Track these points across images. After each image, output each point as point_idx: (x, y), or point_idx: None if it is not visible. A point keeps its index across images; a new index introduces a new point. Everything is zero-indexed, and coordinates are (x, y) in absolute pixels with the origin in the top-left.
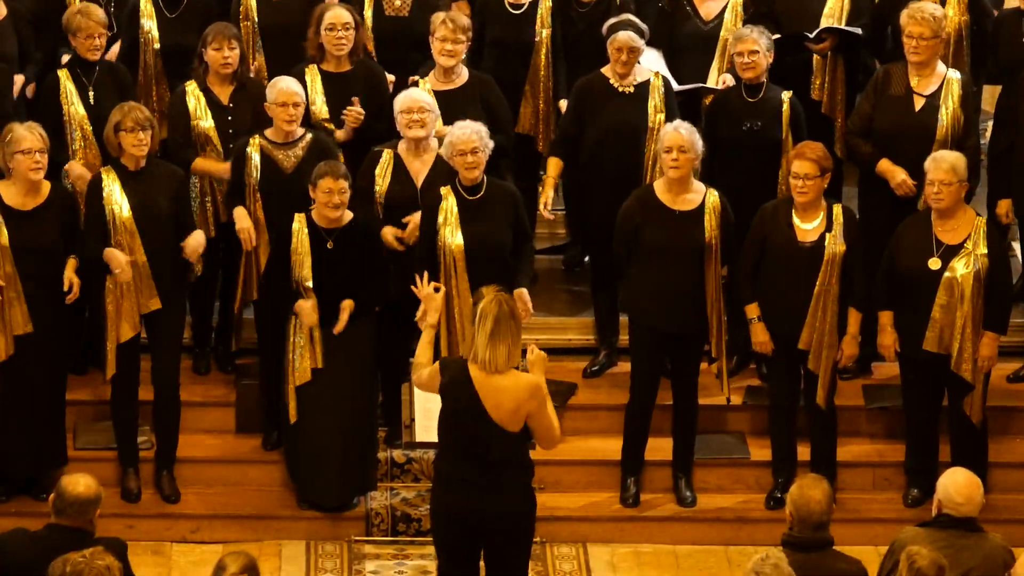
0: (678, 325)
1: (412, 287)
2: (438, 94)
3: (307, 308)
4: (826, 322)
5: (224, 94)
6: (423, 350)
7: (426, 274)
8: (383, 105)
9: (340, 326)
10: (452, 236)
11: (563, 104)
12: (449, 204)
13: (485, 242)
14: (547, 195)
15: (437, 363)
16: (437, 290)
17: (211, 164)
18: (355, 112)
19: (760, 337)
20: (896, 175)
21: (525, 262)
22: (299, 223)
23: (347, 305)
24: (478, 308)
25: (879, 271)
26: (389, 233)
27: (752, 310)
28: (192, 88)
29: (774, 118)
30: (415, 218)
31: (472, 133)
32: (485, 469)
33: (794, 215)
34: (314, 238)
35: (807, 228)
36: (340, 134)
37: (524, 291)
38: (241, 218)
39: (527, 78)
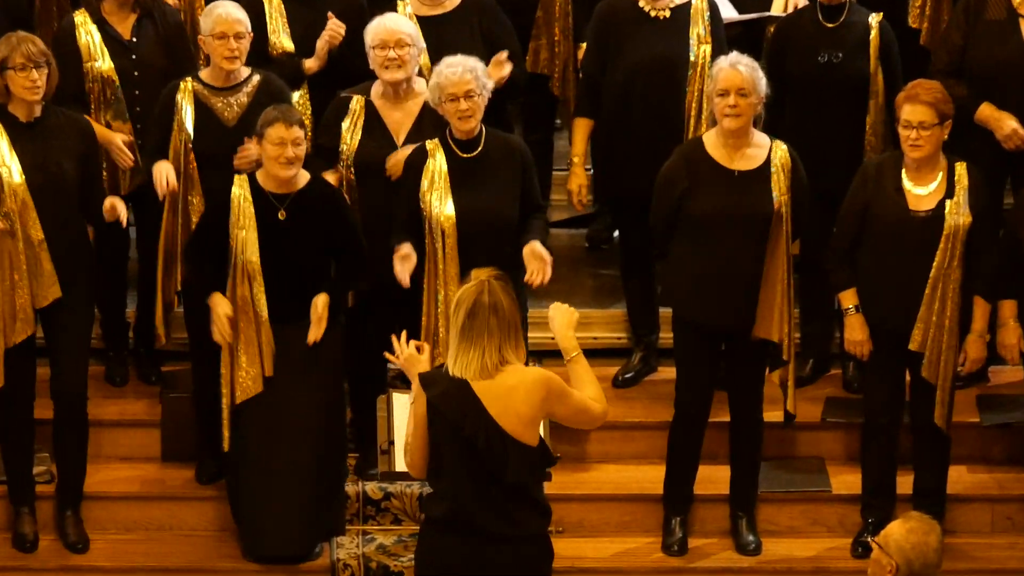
0: (736, 319)
1: (386, 353)
2: (422, 21)
3: (219, 308)
4: (945, 316)
5: (125, 25)
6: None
7: (404, 334)
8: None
9: (316, 333)
10: (440, 205)
11: (583, 49)
12: (437, 164)
13: (483, 213)
14: (579, 176)
15: (416, 381)
16: (419, 350)
17: (105, 132)
18: (333, 27)
19: (857, 334)
20: (1003, 123)
21: (539, 227)
22: (240, 187)
23: (321, 302)
24: (456, 295)
25: (996, 250)
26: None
27: (849, 297)
28: (82, 19)
29: (859, 48)
30: (400, 154)
31: (465, 72)
32: (495, 501)
33: (904, 176)
34: (260, 207)
35: (921, 193)
36: (310, 63)
37: (537, 244)
38: (160, 169)
39: (538, 2)
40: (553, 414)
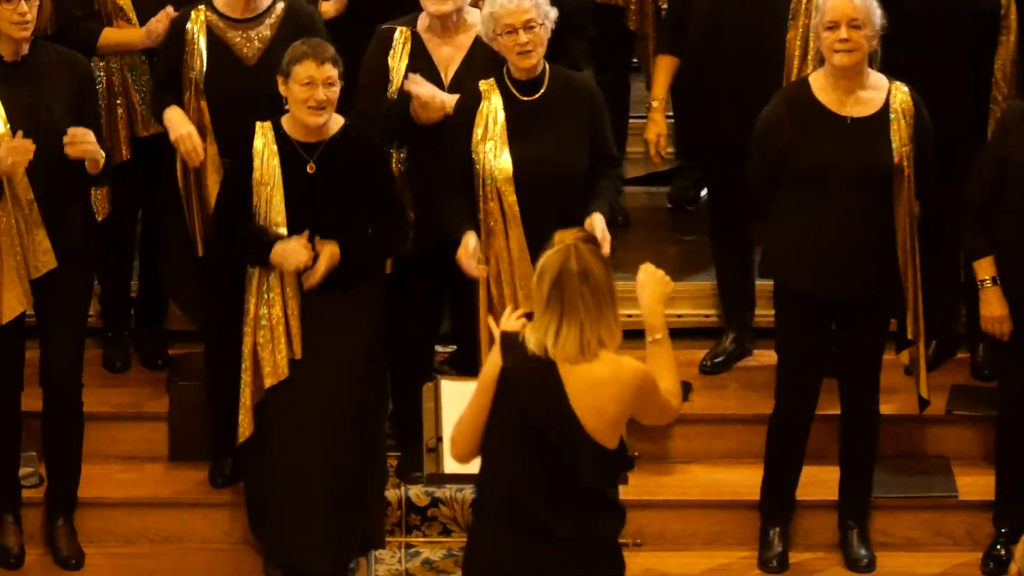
0: (851, 290)
1: (489, 318)
2: None
3: (290, 249)
4: None
5: None
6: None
7: (510, 308)
8: None
9: (315, 277)
10: (496, 157)
11: None
12: (492, 108)
13: (545, 165)
14: (659, 124)
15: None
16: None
17: (127, 33)
18: None
19: (996, 309)
20: None
21: (607, 189)
22: (263, 136)
23: (328, 249)
24: (538, 263)
25: None
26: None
27: (985, 267)
28: None
29: None
30: (437, 99)
31: None
32: (559, 498)
33: None
34: (287, 158)
35: None
36: (327, 6)
37: (598, 217)
38: (177, 122)
39: None
40: (636, 413)
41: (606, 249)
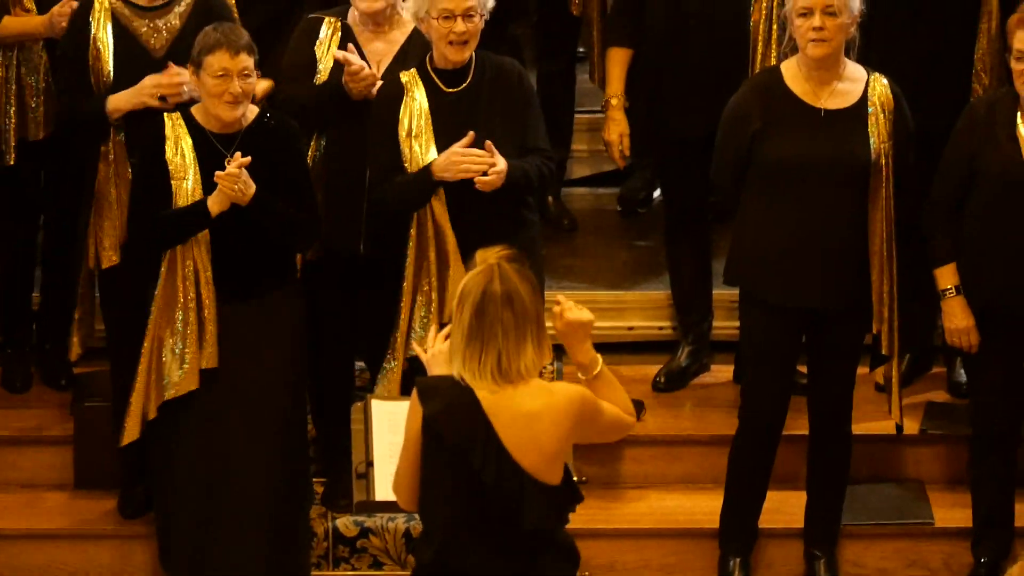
0: (823, 300)
1: (414, 344)
2: None
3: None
4: None
5: None
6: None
7: (433, 329)
8: None
9: (235, 165)
10: (423, 154)
11: None
12: (416, 101)
13: None
14: (619, 123)
15: (414, 389)
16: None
17: (26, 22)
18: None
19: (960, 320)
20: None
21: (529, 160)
22: (174, 129)
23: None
24: (459, 286)
25: None
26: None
27: (947, 275)
28: None
29: None
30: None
31: None
32: (504, 547)
33: (1020, 121)
34: (202, 151)
35: None
36: None
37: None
38: (125, 96)
39: None
40: (580, 438)
41: (492, 179)
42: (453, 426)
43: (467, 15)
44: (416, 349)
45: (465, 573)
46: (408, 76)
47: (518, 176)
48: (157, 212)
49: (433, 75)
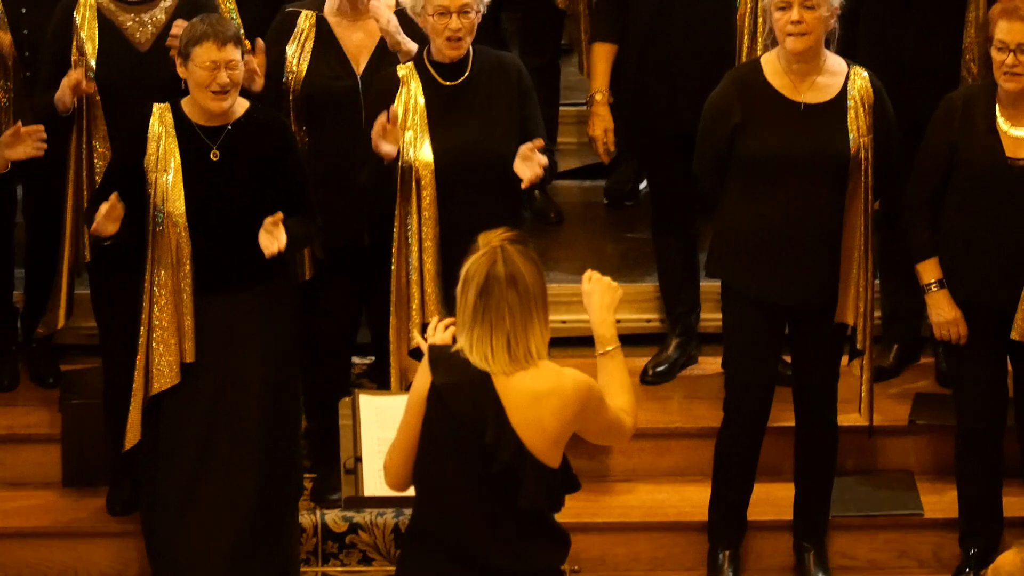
0: (804, 293)
1: (415, 333)
2: None
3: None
4: None
5: None
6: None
7: (435, 319)
8: None
9: (270, 242)
10: (416, 148)
11: None
12: (411, 94)
13: (469, 155)
14: (604, 118)
15: (424, 357)
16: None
17: None
18: None
19: (947, 312)
20: None
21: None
22: (160, 119)
23: (277, 217)
24: (462, 270)
25: None
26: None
27: (930, 270)
28: None
29: None
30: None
31: None
32: (499, 525)
33: (999, 114)
34: (187, 143)
35: (1020, 135)
36: None
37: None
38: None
39: None
40: (581, 430)
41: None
42: (461, 397)
43: (463, 11)
44: (417, 339)
45: (460, 546)
46: (405, 69)
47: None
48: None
49: (430, 68)
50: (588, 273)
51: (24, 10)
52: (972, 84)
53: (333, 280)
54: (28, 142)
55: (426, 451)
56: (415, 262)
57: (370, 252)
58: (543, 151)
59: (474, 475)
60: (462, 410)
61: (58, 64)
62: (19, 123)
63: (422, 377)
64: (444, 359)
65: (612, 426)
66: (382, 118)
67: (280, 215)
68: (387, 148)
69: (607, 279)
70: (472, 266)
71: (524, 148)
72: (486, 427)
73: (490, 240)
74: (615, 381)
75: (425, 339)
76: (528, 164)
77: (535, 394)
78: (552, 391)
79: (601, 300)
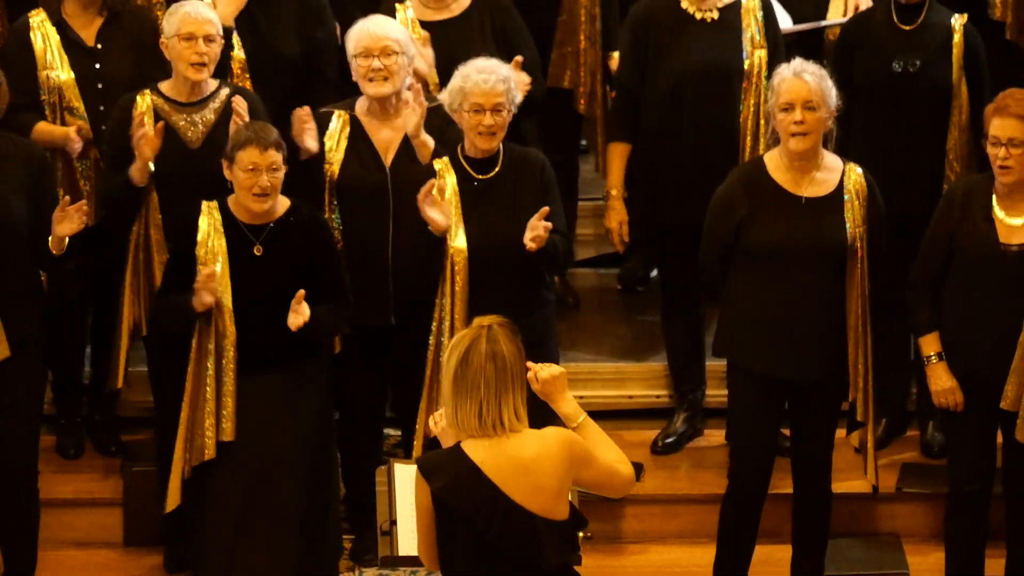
0: (804, 370)
1: (427, 418)
2: (428, 26)
3: (204, 275)
4: None
5: (89, 29)
6: None
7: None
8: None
9: (296, 318)
10: (452, 237)
11: (615, 59)
12: (448, 186)
13: (499, 244)
14: (619, 212)
15: (415, 468)
16: None
17: (54, 131)
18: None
19: (945, 381)
20: None
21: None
22: (209, 216)
23: (299, 295)
24: (451, 342)
25: None
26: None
27: (931, 343)
28: (39, 20)
29: (940, 53)
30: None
31: (498, 82)
32: None
33: (995, 203)
34: (233, 239)
35: (1015, 224)
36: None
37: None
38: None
39: (560, 6)
40: (579, 479)
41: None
42: (461, 497)
43: (496, 109)
44: (429, 424)
45: None
46: (441, 163)
47: (550, 248)
48: (178, 292)
49: (464, 163)
50: (531, 373)
51: (102, 107)
52: (971, 177)
53: (362, 357)
54: (74, 218)
55: (446, 546)
56: (446, 340)
57: (397, 331)
58: (569, 238)
59: (491, 558)
60: (466, 508)
61: (124, 155)
62: (66, 198)
63: (421, 489)
64: (433, 465)
65: (607, 473)
66: (429, 184)
67: (302, 292)
68: (439, 219)
69: (548, 367)
70: (458, 338)
71: (532, 220)
72: (494, 517)
73: (482, 321)
74: (597, 442)
75: (428, 431)
76: (532, 229)
77: (523, 464)
78: (539, 455)
79: (554, 387)
